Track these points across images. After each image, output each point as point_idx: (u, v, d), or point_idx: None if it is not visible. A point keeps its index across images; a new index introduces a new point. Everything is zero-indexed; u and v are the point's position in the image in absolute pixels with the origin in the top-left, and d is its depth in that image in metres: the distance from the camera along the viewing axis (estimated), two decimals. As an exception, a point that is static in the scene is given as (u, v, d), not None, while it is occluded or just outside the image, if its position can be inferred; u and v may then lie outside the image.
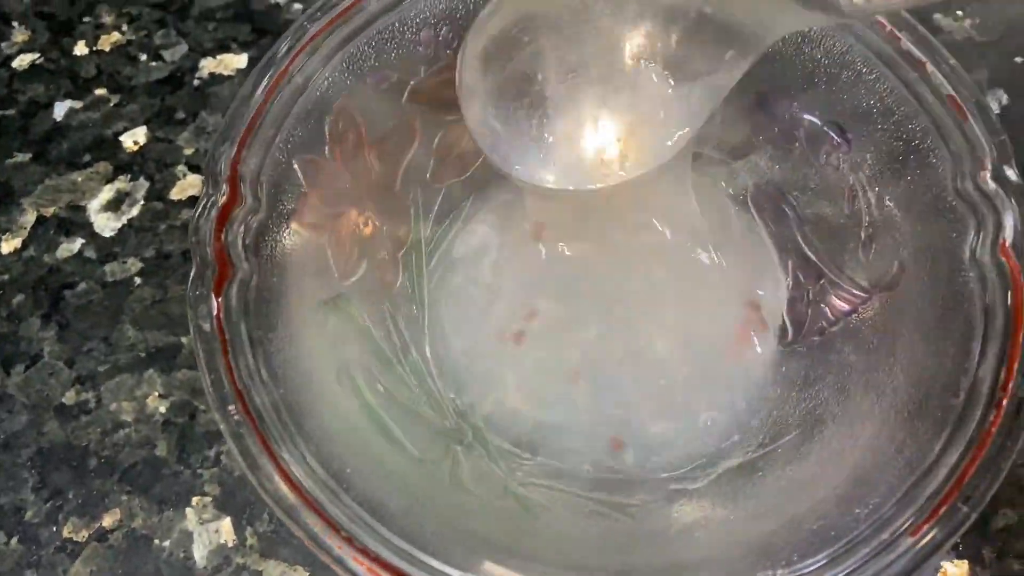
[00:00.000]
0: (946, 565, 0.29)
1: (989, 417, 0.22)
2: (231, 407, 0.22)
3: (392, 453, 0.24)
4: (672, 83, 0.26)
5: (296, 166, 0.26)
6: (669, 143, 0.26)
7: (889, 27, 0.27)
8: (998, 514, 0.30)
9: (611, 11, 0.25)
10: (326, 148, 0.27)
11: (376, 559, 0.20)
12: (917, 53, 0.27)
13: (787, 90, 0.29)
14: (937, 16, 0.40)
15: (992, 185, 0.25)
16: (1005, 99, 0.38)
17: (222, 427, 0.22)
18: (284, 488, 0.21)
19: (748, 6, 0.24)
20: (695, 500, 0.26)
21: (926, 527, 0.21)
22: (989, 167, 0.25)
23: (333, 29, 0.27)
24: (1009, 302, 0.24)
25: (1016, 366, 0.23)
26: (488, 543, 0.22)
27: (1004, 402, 0.22)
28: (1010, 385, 0.23)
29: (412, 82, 0.29)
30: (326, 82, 0.27)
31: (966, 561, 0.29)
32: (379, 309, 0.28)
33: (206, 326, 0.23)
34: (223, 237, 0.24)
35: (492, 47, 0.26)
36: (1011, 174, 0.25)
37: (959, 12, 0.40)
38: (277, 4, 0.42)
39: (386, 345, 0.28)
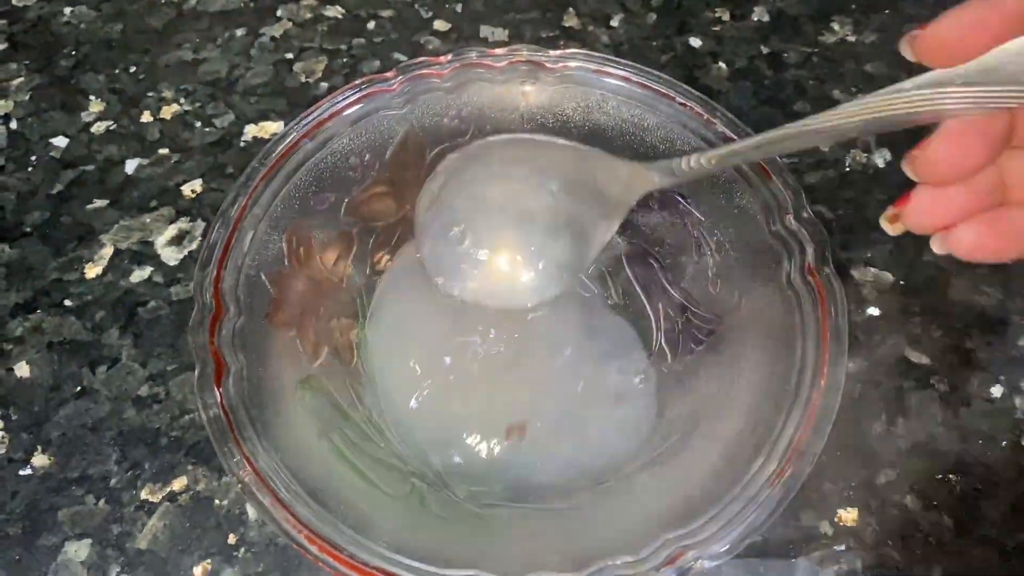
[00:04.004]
0: (841, 512, 0.35)
1: (813, 395, 0.28)
2: (243, 472, 0.27)
3: (371, 492, 0.29)
4: (566, 236, 0.33)
5: (264, 278, 0.32)
6: (561, 279, 0.34)
7: (706, 116, 0.35)
8: (880, 473, 0.36)
9: (522, 188, 0.34)
10: (286, 261, 0.33)
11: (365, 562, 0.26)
12: (728, 133, 0.34)
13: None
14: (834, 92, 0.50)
15: (794, 224, 0.32)
16: (888, 156, 0.46)
17: (238, 488, 0.27)
18: (288, 524, 0.26)
19: (614, 179, 0.32)
20: (613, 495, 0.31)
21: (778, 480, 0.27)
22: (791, 211, 0.32)
23: (279, 167, 0.33)
24: (816, 309, 0.30)
25: (828, 355, 0.29)
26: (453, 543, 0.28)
27: (823, 382, 0.28)
28: (825, 370, 0.28)
29: (346, 200, 0.35)
30: (279, 209, 0.33)
31: (856, 508, 0.35)
32: (343, 383, 0.33)
33: (213, 412, 0.28)
34: (215, 342, 0.29)
35: (435, 202, 0.34)
36: (806, 215, 0.32)
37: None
38: (307, 82, 0.49)
39: (353, 412, 0.33)
